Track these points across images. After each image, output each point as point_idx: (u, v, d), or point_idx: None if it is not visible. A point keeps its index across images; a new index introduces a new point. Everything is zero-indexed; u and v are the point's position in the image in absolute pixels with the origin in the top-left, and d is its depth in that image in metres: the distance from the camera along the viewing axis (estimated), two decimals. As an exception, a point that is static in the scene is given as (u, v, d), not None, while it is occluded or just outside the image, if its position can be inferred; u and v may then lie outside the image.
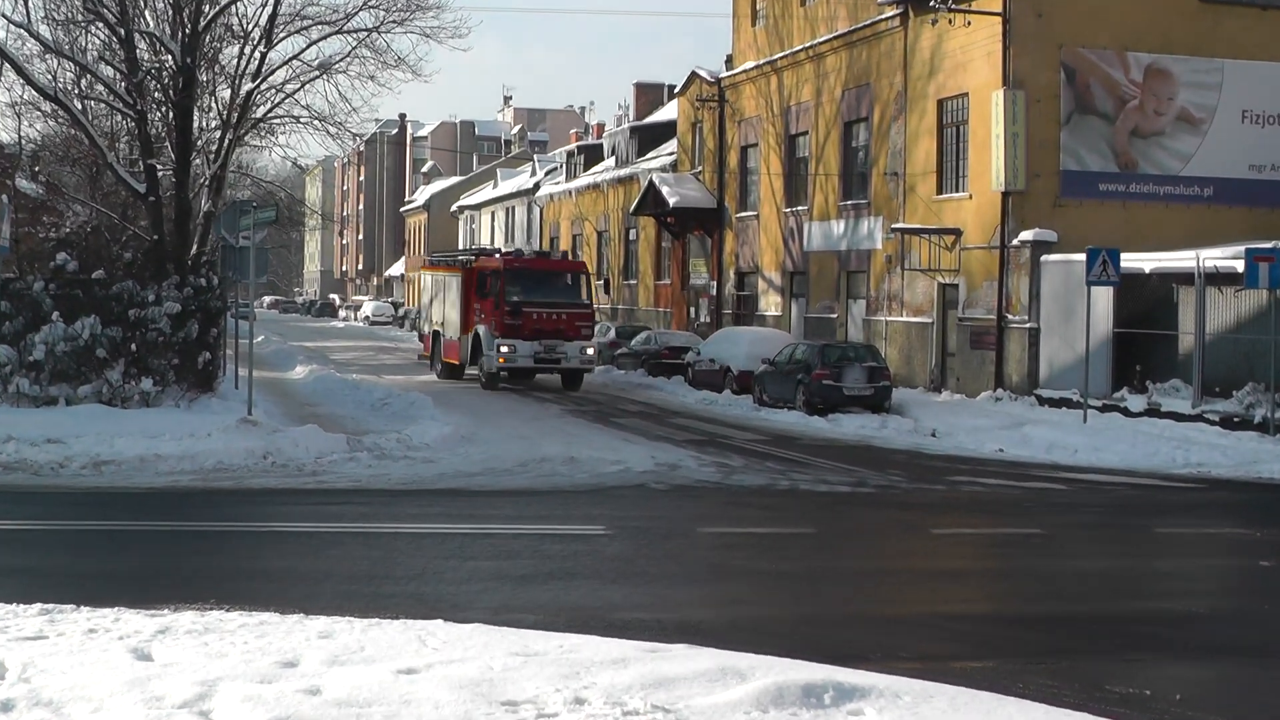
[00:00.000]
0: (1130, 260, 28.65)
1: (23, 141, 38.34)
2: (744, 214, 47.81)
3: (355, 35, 32.39)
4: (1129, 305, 30.11)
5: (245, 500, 17.69)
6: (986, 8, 32.94)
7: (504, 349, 36.56)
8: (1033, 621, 11.74)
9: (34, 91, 30.69)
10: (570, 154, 72.14)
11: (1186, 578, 14.46)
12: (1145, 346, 30.15)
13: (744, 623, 11.22)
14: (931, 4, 34.27)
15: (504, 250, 44.25)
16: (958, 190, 35.31)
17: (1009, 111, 32.02)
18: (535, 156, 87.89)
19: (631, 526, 16.38)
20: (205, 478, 19.14)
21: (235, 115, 31.97)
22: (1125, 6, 33.04)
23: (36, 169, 38.42)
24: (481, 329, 37.93)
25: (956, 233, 34.83)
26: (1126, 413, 28.56)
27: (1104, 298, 29.46)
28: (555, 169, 76.34)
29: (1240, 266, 26.56)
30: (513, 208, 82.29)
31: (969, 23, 33.54)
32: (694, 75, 51.81)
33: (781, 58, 44.57)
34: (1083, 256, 28.34)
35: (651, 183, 51.93)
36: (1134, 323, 30.17)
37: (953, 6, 33.63)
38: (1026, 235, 32.21)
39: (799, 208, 43.81)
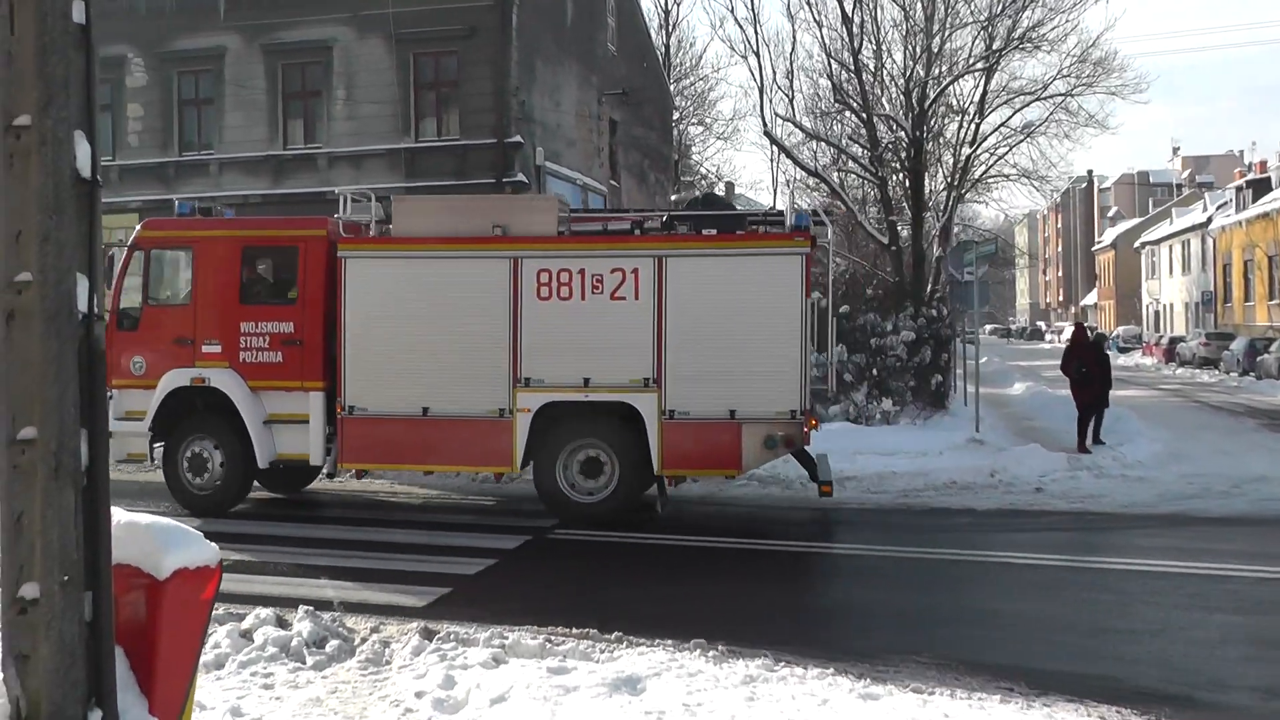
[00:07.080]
0: None
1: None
2: None
3: (1052, 101, 31.65)
4: None
5: (974, 526, 13.86)
6: None
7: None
8: None
9: (801, 171, 32.55)
10: (1239, 188, 63.55)
11: None
12: None
13: None
14: None
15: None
16: None
17: None
18: (1205, 194, 78.42)
19: None
20: (937, 495, 15.85)
21: (957, 177, 32.92)
22: None
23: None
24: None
25: None
26: None
27: None
28: (1225, 203, 67.53)
29: None
30: (1188, 240, 73.69)
31: None
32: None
33: None
34: None
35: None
36: None
37: None
38: None
39: None
